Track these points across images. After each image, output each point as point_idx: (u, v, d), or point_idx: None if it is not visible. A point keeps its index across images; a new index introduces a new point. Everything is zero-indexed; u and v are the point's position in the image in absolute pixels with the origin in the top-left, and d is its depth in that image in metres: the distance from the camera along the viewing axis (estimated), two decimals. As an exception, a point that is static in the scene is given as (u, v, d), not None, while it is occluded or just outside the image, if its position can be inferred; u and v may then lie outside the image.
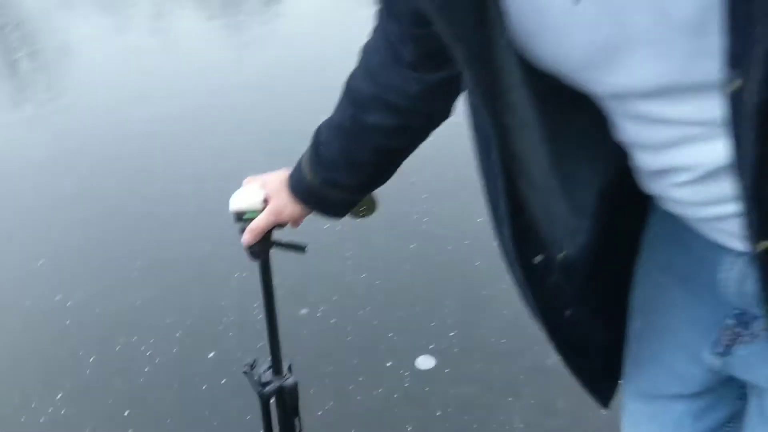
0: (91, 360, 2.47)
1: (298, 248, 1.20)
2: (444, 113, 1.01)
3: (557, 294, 0.85)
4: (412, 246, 2.95)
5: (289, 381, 1.25)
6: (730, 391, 0.92)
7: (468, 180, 0.90)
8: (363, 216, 1.21)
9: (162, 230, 3.26)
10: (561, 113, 0.71)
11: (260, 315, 1.25)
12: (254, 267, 1.20)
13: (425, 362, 2.32)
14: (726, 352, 0.83)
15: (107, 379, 2.38)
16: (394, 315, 2.56)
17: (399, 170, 1.10)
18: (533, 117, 0.69)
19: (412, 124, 1.02)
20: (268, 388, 1.25)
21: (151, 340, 2.54)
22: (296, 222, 1.16)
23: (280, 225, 1.15)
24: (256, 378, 1.26)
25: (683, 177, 0.68)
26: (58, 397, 2.33)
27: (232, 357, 2.37)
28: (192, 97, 4.66)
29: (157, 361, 2.44)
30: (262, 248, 1.16)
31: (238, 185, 1.15)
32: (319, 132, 1.07)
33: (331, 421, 2.11)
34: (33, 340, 2.64)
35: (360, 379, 2.27)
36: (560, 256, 0.80)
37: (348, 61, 1.05)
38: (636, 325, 0.96)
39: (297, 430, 1.30)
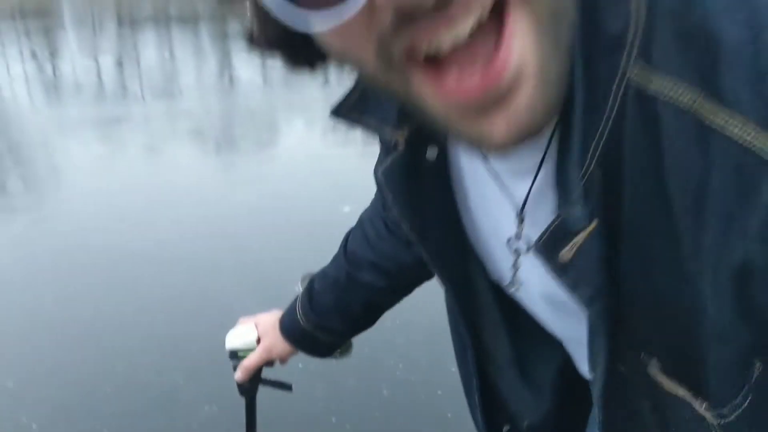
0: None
1: (285, 387, 1.27)
2: (432, 275, 1.13)
3: None
4: (384, 392, 2.96)
5: None
6: None
7: (442, 329, 1.00)
8: (340, 357, 1.28)
9: (133, 357, 3.24)
10: (520, 315, 0.84)
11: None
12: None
13: None
14: None
15: None
16: (362, 462, 2.54)
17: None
18: (499, 319, 0.84)
19: (402, 284, 1.15)
20: None
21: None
22: (284, 360, 1.25)
23: (269, 363, 1.24)
24: None
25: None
26: None
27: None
28: (176, 225, 4.75)
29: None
30: (251, 385, 1.24)
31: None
32: (312, 282, 1.18)
33: None
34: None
35: None
36: (524, 424, 0.92)
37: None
38: None
39: None
